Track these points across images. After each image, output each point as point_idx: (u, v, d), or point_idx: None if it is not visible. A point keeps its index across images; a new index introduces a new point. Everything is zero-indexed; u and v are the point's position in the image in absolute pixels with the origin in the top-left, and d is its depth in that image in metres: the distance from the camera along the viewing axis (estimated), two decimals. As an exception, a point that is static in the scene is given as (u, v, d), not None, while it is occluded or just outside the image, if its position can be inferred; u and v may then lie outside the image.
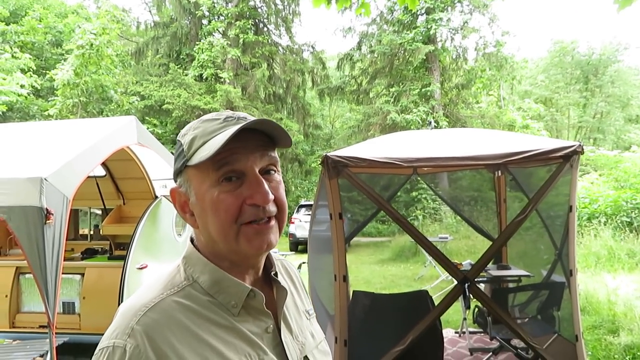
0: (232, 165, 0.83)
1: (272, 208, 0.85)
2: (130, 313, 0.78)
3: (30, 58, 14.48)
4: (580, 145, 3.73)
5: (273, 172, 0.88)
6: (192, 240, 0.91)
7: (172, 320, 0.78)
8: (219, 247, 0.85)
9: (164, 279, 0.86)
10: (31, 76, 13.98)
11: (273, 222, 0.86)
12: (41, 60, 18.52)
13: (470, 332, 5.15)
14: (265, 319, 0.87)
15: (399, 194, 17.31)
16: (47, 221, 3.16)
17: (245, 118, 0.87)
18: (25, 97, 14.13)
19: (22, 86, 12.91)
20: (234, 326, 0.83)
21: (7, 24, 18.52)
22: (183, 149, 0.86)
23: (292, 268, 1.07)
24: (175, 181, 0.90)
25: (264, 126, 0.85)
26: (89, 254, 5.33)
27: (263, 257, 0.92)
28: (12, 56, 14.17)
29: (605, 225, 9.88)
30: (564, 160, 3.71)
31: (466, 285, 3.56)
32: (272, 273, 0.95)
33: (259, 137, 0.85)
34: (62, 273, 3.51)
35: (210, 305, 0.83)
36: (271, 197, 0.84)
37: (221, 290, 0.85)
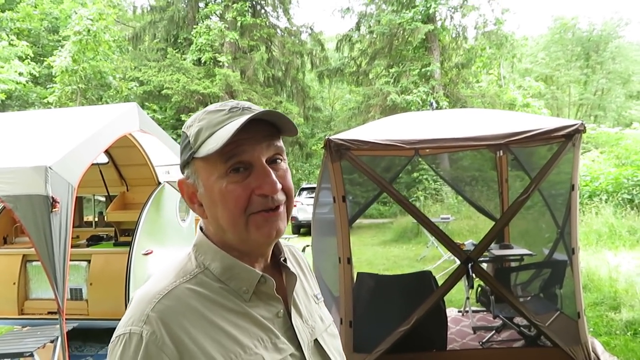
0: (240, 157, 0.84)
1: (281, 197, 0.87)
2: (145, 301, 0.80)
3: (27, 45, 14.36)
4: (582, 124, 3.73)
5: (279, 160, 0.89)
6: (201, 229, 0.93)
7: (186, 306, 0.80)
8: (229, 236, 0.87)
9: (175, 267, 0.88)
10: (29, 64, 13.91)
11: (281, 209, 0.87)
12: (38, 47, 18.37)
13: (474, 311, 5.22)
14: (276, 304, 0.89)
15: (400, 175, 17.41)
16: (53, 209, 3.19)
17: (250, 108, 0.88)
18: (24, 85, 14.08)
19: (20, 74, 12.86)
20: (246, 311, 0.85)
21: (3, 11, 18.34)
22: (189, 141, 0.87)
23: (299, 254, 1.09)
24: (183, 173, 0.91)
25: (270, 116, 0.85)
26: (94, 240, 5.37)
27: (272, 245, 0.93)
28: (10, 44, 14.07)
29: (606, 202, 9.92)
30: (566, 139, 3.71)
31: (469, 265, 3.60)
32: (281, 259, 0.97)
33: (265, 127, 0.86)
34: (70, 260, 3.55)
35: (222, 292, 0.85)
36: (279, 186, 0.86)
37: (233, 276, 0.86)
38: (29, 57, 14.09)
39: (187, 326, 0.78)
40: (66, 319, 3.55)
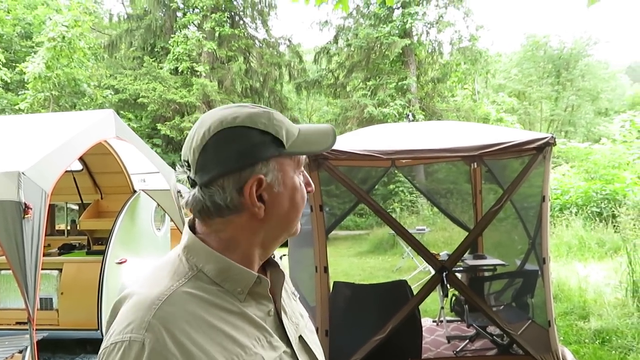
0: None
1: None
2: (143, 307, 0.78)
3: (-1, 50, 14.10)
4: (552, 137, 3.86)
5: None
6: (191, 229, 0.92)
7: (187, 311, 0.79)
8: (267, 235, 0.91)
9: (167, 270, 0.87)
10: (0, 69, 13.62)
11: None
12: (10, 53, 18.00)
13: (448, 321, 5.27)
14: (267, 303, 0.91)
15: (376, 187, 17.55)
16: (26, 216, 3.13)
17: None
18: (-5, 91, 13.78)
19: (-10, 79, 12.57)
20: (242, 311, 0.85)
21: (-26, 16, 17.96)
22: (275, 137, 0.88)
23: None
24: (255, 169, 0.87)
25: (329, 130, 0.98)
26: (66, 249, 5.27)
27: None
28: (-20, 49, 13.77)
29: (576, 215, 10.18)
30: (537, 152, 3.83)
31: (444, 274, 3.66)
32: (271, 257, 0.98)
33: None
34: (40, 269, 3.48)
35: (218, 293, 0.85)
36: None
37: (228, 278, 0.86)
38: (0, 62, 13.80)
39: (189, 331, 0.77)
40: (36, 329, 3.47)
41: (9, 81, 14.64)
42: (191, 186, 0.90)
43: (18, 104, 14.86)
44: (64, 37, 13.91)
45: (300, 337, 0.96)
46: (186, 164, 0.90)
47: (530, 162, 3.84)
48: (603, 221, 9.88)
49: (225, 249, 0.88)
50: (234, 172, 0.86)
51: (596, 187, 11.22)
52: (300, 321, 1.00)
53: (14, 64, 16.30)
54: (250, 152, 0.87)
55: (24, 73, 14.38)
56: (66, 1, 20.80)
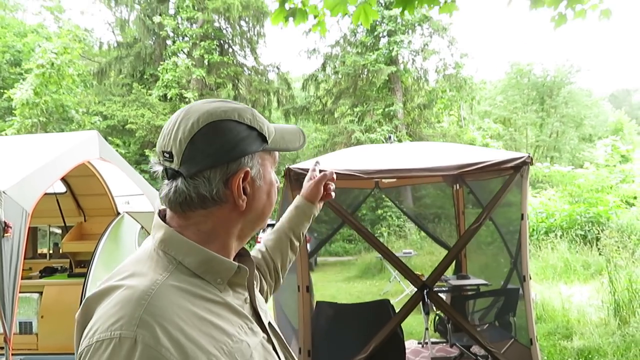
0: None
1: None
2: (131, 302, 0.75)
3: (-14, 77, 14.14)
4: (529, 156, 3.95)
5: None
6: (165, 222, 0.91)
7: (176, 305, 0.78)
8: (250, 226, 0.95)
9: (147, 265, 0.85)
10: (-13, 95, 13.64)
11: None
12: (-1, 80, 18.09)
13: (433, 343, 5.26)
14: (243, 291, 0.93)
15: (364, 212, 17.70)
16: (5, 234, 3.11)
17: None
18: (-19, 117, 13.76)
19: (-22, 105, 12.57)
20: (225, 301, 0.86)
21: (-37, 43, 18.06)
22: (258, 132, 0.93)
23: None
24: (242, 162, 0.89)
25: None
26: (47, 272, 5.21)
27: None
28: (-32, 75, 13.81)
29: (561, 238, 10.27)
30: (514, 171, 3.91)
31: (425, 291, 3.67)
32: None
33: None
34: (20, 292, 3.44)
35: (201, 284, 0.85)
36: None
37: (209, 269, 0.86)
38: (-12, 89, 13.83)
39: (181, 325, 0.76)
40: (13, 354, 3.41)
41: (-4, 108, 14.65)
42: (170, 178, 0.89)
43: (5, 130, 14.83)
44: (52, 64, 14.01)
45: (269, 323, 0.99)
46: (167, 155, 0.88)
47: (509, 181, 3.91)
48: (588, 244, 9.97)
49: (205, 240, 0.89)
50: (222, 164, 0.87)
51: (580, 210, 11.37)
52: (266, 308, 1.03)
53: (1, 91, 16.33)
54: (239, 146, 0.88)
55: (12, 100, 14.41)
56: (56, 29, 21.03)
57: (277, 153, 1.00)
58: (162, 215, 0.94)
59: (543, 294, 6.95)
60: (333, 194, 1.50)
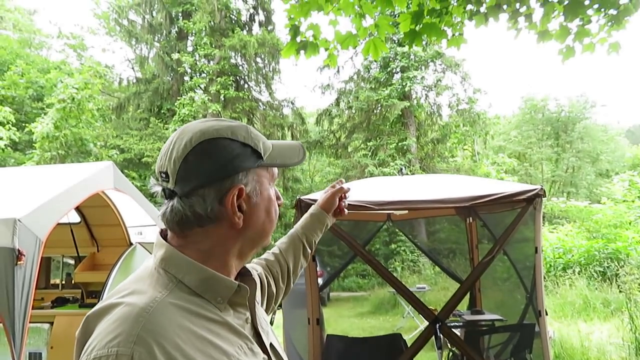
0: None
1: None
2: (129, 319, 0.76)
3: (10, 111, 14.54)
4: (542, 188, 3.91)
5: None
6: (166, 240, 0.91)
7: (174, 322, 0.78)
8: (249, 244, 0.95)
9: (147, 283, 0.85)
10: (9, 129, 13.99)
11: None
12: (21, 114, 18.57)
13: (447, 380, 5.10)
14: (244, 311, 0.92)
15: (377, 246, 17.55)
16: (18, 262, 3.14)
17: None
18: (3, 150, 14.08)
19: (0, 138, 12.90)
20: (225, 320, 0.86)
21: (-11, 79, 18.70)
22: (253, 149, 0.92)
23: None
24: (235, 180, 0.90)
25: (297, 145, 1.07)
26: (59, 302, 5.21)
27: None
28: (-8, 109, 14.23)
29: (579, 274, 10.03)
30: (527, 203, 3.87)
31: (437, 325, 3.60)
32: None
33: None
34: (31, 322, 3.44)
35: (200, 303, 0.85)
36: None
37: (209, 288, 0.86)
38: (10, 122, 14.20)
39: (179, 343, 0.76)
40: (21, 384, 3.39)
41: (17, 141, 15.00)
42: (168, 198, 0.90)
43: (25, 162, 15.15)
44: (73, 99, 14.39)
45: (271, 344, 0.97)
46: (163, 175, 0.90)
47: (521, 213, 3.87)
48: (607, 280, 9.72)
49: (204, 259, 0.89)
50: (216, 182, 0.87)
51: (599, 246, 11.13)
52: (269, 328, 1.02)
53: (24, 124, 16.77)
54: (232, 163, 0.89)
55: (33, 133, 14.78)
56: (78, 65, 21.71)
57: (275, 169, 1.00)
58: (163, 234, 0.95)
59: (561, 331, 6.75)
60: (346, 210, 1.54)
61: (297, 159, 1.03)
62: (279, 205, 0.99)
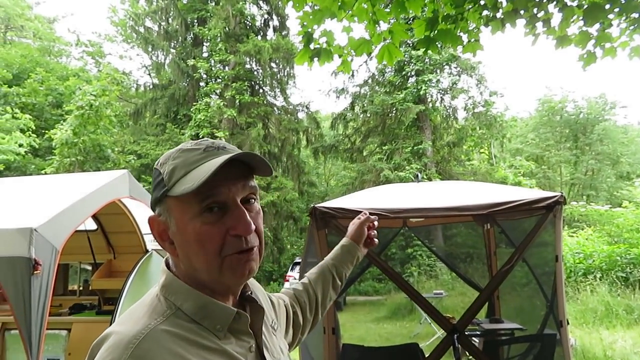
0: (215, 197, 0.84)
1: (254, 238, 0.88)
2: (120, 346, 0.77)
3: (30, 118, 14.80)
4: (562, 195, 3.82)
5: (253, 200, 0.90)
6: (168, 268, 0.91)
7: (164, 349, 0.78)
8: (201, 276, 0.87)
9: (145, 310, 0.86)
10: (30, 136, 14.24)
11: (255, 250, 0.88)
12: (41, 121, 18.91)
13: (465, 390, 5.02)
14: (248, 339, 0.90)
15: (394, 250, 17.44)
16: (35, 272, 3.16)
17: (225, 147, 0.90)
18: (23, 156, 14.32)
19: (20, 145, 13.12)
20: (222, 348, 0.84)
21: (10, 87, 19.06)
22: (163, 179, 0.87)
23: (257, 285, 1.10)
24: (154, 210, 0.91)
25: (247, 158, 0.87)
26: (77, 309, 5.25)
27: (243, 284, 0.94)
28: (13, 117, 14.49)
29: (600, 280, 9.82)
30: (547, 211, 3.78)
31: (455, 336, 3.53)
32: (248, 293, 0.97)
33: (240, 167, 0.87)
34: (48, 328, 3.46)
35: (197, 331, 0.84)
36: (253, 227, 0.86)
37: (207, 315, 0.85)
38: (30, 129, 14.46)
39: None
40: (38, 391, 3.40)
41: (37, 147, 15.25)
42: None
43: (45, 169, 15.40)
44: (91, 105, 14.60)
45: None
46: None
47: (541, 221, 3.78)
48: (630, 286, 9.50)
49: (196, 286, 0.87)
50: (153, 210, 0.91)
51: (620, 251, 10.89)
52: (282, 356, 0.99)
53: (43, 131, 17.06)
54: (153, 194, 0.91)
55: (52, 139, 15.03)
56: (96, 72, 22.04)
57: (198, 197, 0.84)
58: (167, 262, 0.94)
59: (583, 339, 6.60)
60: (376, 240, 1.51)
61: (207, 165, 0.85)
62: (233, 235, 0.85)
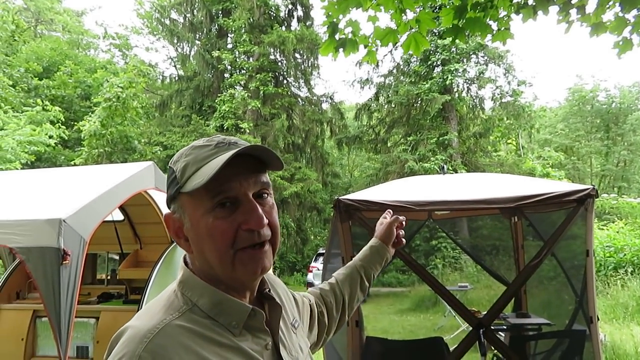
0: (227, 192, 0.84)
1: (267, 232, 0.87)
2: (135, 340, 0.78)
3: (59, 110, 15.11)
4: (594, 188, 3.70)
5: (266, 195, 0.89)
6: (186, 265, 0.92)
7: (178, 344, 0.79)
8: (215, 271, 0.87)
9: (163, 305, 0.87)
10: (59, 127, 14.55)
11: (267, 247, 0.88)
12: (70, 113, 19.30)
13: (491, 384, 4.95)
14: (264, 336, 0.89)
15: (418, 242, 17.32)
16: (64, 262, 3.22)
17: (237, 143, 0.89)
18: (53, 148, 14.65)
19: (50, 137, 13.43)
20: (237, 345, 0.84)
21: (40, 79, 19.50)
22: (176, 176, 0.88)
23: (277, 281, 1.09)
24: (169, 207, 0.92)
25: (256, 151, 0.87)
26: (104, 298, 5.36)
27: (258, 280, 0.93)
28: (43, 109, 14.82)
29: (632, 275, 9.56)
30: (578, 204, 3.67)
31: (481, 331, 3.47)
32: (265, 290, 0.97)
33: (251, 162, 0.87)
34: (78, 317, 3.54)
35: (212, 327, 0.84)
36: (265, 221, 0.86)
37: (222, 311, 0.86)
38: (60, 121, 14.78)
39: None
40: (68, 378, 3.48)
41: (66, 139, 15.59)
42: None
43: (74, 159, 15.75)
44: (118, 97, 14.83)
45: None
46: None
47: (571, 215, 3.67)
48: (663, 281, 9.23)
49: (212, 282, 0.88)
50: (169, 208, 0.93)
51: (653, 244, 10.58)
52: (300, 355, 0.97)
53: (72, 123, 17.42)
54: (167, 191, 0.92)
55: (81, 131, 15.34)
56: (123, 65, 22.37)
57: (209, 192, 0.84)
58: (185, 258, 0.95)
59: (613, 335, 6.44)
60: (404, 240, 1.47)
61: (217, 160, 0.85)
62: (245, 230, 0.85)
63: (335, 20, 3.31)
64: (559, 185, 4.13)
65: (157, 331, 0.79)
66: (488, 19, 3.21)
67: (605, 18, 3.30)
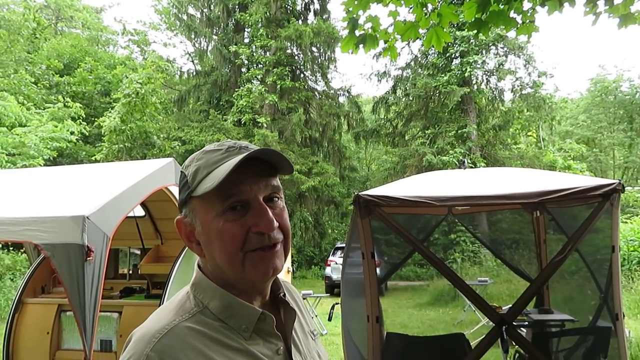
0: (237, 196, 0.85)
1: (278, 235, 0.88)
2: (144, 340, 0.80)
3: (80, 107, 15.35)
4: (620, 183, 3.62)
5: (276, 199, 0.90)
6: (199, 267, 0.94)
7: (186, 345, 0.80)
8: (226, 274, 0.88)
9: (174, 306, 0.89)
10: (80, 123, 14.78)
11: (278, 248, 0.89)
12: (90, 109, 19.58)
13: (512, 381, 4.90)
14: (276, 341, 0.89)
15: (436, 236, 17.21)
16: (88, 258, 3.27)
17: (247, 147, 0.90)
18: (75, 144, 14.90)
19: (71, 133, 13.65)
20: (247, 349, 0.85)
21: (61, 76, 19.80)
22: (187, 180, 0.89)
23: (294, 290, 1.09)
24: (181, 212, 0.93)
25: (266, 155, 0.88)
26: (127, 292, 5.43)
27: (270, 283, 0.94)
28: (64, 105, 15.06)
29: (657, 269, 9.39)
30: (603, 199, 3.60)
31: (504, 328, 3.43)
32: (280, 295, 0.97)
33: (262, 166, 0.88)
34: (101, 311, 3.59)
35: (222, 330, 0.85)
36: (276, 224, 0.87)
37: (232, 314, 0.87)
38: (81, 117, 15.01)
39: None
40: (93, 371, 3.54)
41: (87, 134, 15.84)
42: None
43: (95, 155, 15.99)
44: (137, 93, 15.00)
45: None
46: None
47: (596, 210, 3.60)
48: (689, 276, 9.05)
49: (224, 285, 0.89)
50: (180, 212, 0.94)
51: (679, 238, 10.36)
52: None
53: (93, 119, 17.67)
54: (179, 196, 0.94)
55: (102, 127, 15.56)
56: (142, 61, 22.58)
57: (220, 196, 0.85)
58: (199, 263, 0.96)
59: (638, 331, 6.33)
60: None
61: (227, 164, 0.85)
62: (256, 233, 0.86)
63: (355, 16, 3.28)
64: (583, 180, 4.05)
65: (165, 332, 0.81)
66: (512, 12, 3.15)
67: (633, 9, 3.22)
